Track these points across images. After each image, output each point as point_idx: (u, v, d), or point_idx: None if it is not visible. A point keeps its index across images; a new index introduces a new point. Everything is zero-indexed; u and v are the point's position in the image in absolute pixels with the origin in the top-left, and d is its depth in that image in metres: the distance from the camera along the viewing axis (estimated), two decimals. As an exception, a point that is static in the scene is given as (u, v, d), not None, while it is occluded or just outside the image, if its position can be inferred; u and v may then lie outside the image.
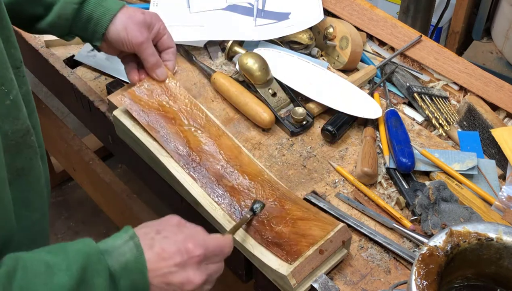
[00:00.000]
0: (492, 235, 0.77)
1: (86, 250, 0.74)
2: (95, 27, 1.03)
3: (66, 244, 0.75)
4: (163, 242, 0.79)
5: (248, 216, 0.95)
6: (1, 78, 0.76)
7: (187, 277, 0.79)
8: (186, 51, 1.33)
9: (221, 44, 1.36)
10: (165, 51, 1.10)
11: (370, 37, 1.43)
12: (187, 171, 1.02)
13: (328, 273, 0.96)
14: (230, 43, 1.31)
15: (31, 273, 0.68)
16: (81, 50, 1.34)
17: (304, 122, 1.19)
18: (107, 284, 0.73)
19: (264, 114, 1.17)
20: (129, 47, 1.05)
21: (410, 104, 1.29)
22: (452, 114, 1.25)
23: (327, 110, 1.22)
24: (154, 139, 1.05)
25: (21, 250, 0.82)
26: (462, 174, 1.09)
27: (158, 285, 0.77)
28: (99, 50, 1.09)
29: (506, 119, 1.25)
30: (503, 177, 1.13)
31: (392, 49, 1.40)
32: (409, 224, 1.03)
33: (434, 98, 1.26)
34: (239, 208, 0.98)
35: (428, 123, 1.25)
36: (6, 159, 0.78)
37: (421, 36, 1.38)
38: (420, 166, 1.11)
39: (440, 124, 1.22)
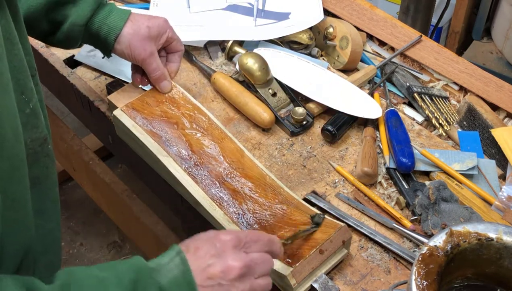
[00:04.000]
0: (492, 235, 0.77)
1: (137, 265, 0.74)
2: (103, 45, 1.07)
3: (116, 262, 0.75)
4: (196, 242, 0.79)
5: (311, 229, 0.96)
6: (21, 86, 0.75)
7: (226, 264, 0.76)
8: (186, 51, 1.33)
9: (221, 44, 1.36)
10: (172, 54, 1.13)
11: (370, 37, 1.43)
12: (189, 174, 1.02)
13: (328, 273, 0.96)
14: (230, 43, 1.31)
15: (84, 287, 0.69)
16: (81, 50, 1.34)
17: (304, 122, 1.19)
18: None
19: (264, 114, 1.17)
20: (134, 62, 1.09)
21: (410, 104, 1.29)
22: (452, 114, 1.25)
23: (327, 110, 1.22)
24: (155, 141, 1.05)
25: (38, 260, 0.83)
26: (462, 174, 1.09)
27: (202, 285, 0.75)
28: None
29: (506, 119, 1.25)
30: (503, 177, 1.13)
31: (392, 49, 1.40)
32: (409, 224, 1.03)
33: (434, 98, 1.26)
34: (241, 211, 0.98)
35: (428, 123, 1.25)
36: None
37: (421, 36, 1.38)
38: (420, 166, 1.11)
39: (440, 124, 1.22)
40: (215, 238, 0.79)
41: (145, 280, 0.72)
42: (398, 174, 1.11)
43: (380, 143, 1.17)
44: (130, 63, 1.15)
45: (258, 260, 0.80)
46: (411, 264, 0.90)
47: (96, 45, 1.09)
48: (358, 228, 1.03)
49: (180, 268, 0.75)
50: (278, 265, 0.91)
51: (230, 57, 1.32)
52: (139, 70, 1.12)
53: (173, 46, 1.12)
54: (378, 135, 1.18)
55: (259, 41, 1.34)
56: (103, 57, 1.12)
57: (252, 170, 1.04)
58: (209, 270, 0.76)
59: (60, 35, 1.05)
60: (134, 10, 1.43)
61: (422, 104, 1.25)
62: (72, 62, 1.34)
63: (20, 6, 1.00)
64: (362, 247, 1.02)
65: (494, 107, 1.25)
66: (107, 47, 1.07)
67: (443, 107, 1.25)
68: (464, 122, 1.24)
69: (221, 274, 0.76)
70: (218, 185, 1.01)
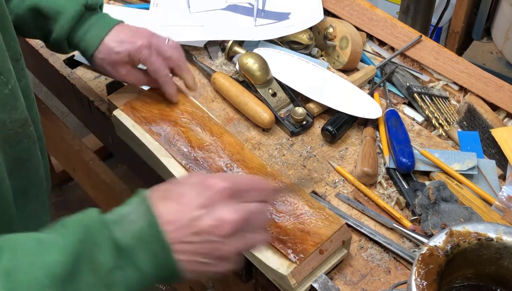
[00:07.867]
0: (492, 235, 0.77)
1: (86, 222, 0.63)
2: (85, 57, 1.07)
3: (69, 218, 0.64)
4: (180, 188, 0.66)
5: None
6: None
7: (218, 217, 0.64)
8: (186, 51, 1.33)
9: (221, 44, 1.36)
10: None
11: (370, 37, 1.43)
12: (190, 170, 1.02)
13: (328, 273, 0.96)
14: (230, 43, 1.31)
15: (19, 253, 0.58)
16: (81, 50, 1.34)
17: (304, 122, 1.19)
18: (113, 260, 0.61)
19: (264, 114, 1.17)
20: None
21: (410, 104, 1.29)
22: (452, 114, 1.25)
23: (327, 110, 1.22)
24: (155, 139, 1.06)
25: None
26: (462, 174, 1.09)
27: (184, 240, 0.63)
28: None
29: (506, 119, 1.25)
30: (503, 177, 1.13)
31: (392, 49, 1.40)
32: (409, 224, 1.03)
33: (434, 98, 1.26)
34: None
35: (428, 123, 1.25)
36: (6, 148, 0.79)
37: (421, 36, 1.38)
38: (420, 166, 1.11)
39: (440, 124, 1.22)
40: (205, 183, 0.66)
41: (94, 238, 0.61)
42: (398, 174, 1.11)
43: (380, 143, 1.17)
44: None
45: (256, 211, 0.68)
46: (411, 264, 0.90)
47: (83, 56, 1.09)
48: (358, 228, 1.03)
49: (147, 219, 0.63)
50: (278, 265, 0.91)
51: (230, 57, 1.32)
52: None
53: (170, 65, 1.06)
54: (378, 135, 1.18)
55: (259, 41, 1.34)
56: None
57: (252, 161, 1.04)
58: (195, 224, 0.63)
59: (51, 44, 1.06)
60: (134, 11, 1.43)
61: (422, 104, 1.25)
62: (72, 62, 1.34)
63: (10, 12, 1.00)
64: (362, 247, 1.02)
65: (494, 107, 1.25)
66: (89, 63, 1.07)
67: (443, 107, 1.25)
68: (464, 122, 1.24)
69: (212, 228, 0.64)
70: None
